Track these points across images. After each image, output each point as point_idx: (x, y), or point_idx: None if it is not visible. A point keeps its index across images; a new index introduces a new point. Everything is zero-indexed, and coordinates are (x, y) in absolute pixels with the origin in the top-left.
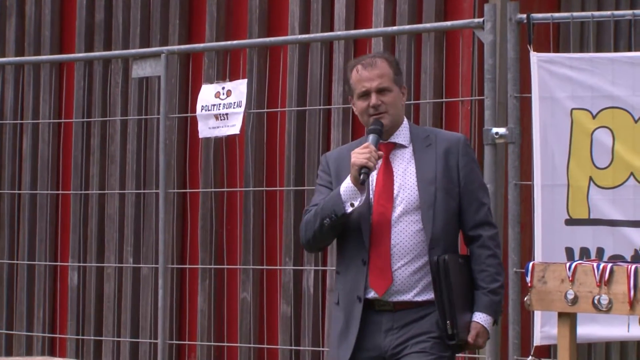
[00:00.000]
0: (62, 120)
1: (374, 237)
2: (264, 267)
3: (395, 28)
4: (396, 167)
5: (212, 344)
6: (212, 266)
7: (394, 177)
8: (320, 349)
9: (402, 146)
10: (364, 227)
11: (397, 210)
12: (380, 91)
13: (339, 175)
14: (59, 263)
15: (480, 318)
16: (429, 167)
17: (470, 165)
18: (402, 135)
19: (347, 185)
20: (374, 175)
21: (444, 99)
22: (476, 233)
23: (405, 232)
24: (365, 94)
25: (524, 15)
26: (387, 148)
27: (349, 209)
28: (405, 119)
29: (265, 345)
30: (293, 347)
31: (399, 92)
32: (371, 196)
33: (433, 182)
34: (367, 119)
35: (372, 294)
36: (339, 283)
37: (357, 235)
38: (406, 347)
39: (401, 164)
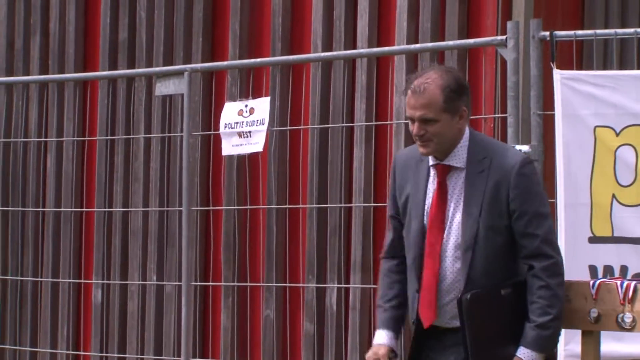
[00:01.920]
0: (86, 138)
1: (426, 267)
2: (287, 284)
3: (417, 46)
4: (450, 192)
5: None
6: (235, 284)
7: (447, 205)
8: None
9: (458, 168)
10: (417, 255)
11: (445, 245)
12: (424, 121)
13: (402, 185)
14: (82, 280)
15: (523, 353)
16: (476, 200)
17: (522, 197)
18: (458, 156)
19: None
20: (429, 196)
21: None
22: (529, 263)
23: (450, 269)
24: (411, 120)
25: (547, 33)
26: (442, 171)
27: None
28: (468, 135)
29: None
30: None
31: (450, 119)
32: (425, 222)
33: (477, 218)
34: (416, 142)
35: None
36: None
37: (413, 258)
38: None
39: (455, 189)
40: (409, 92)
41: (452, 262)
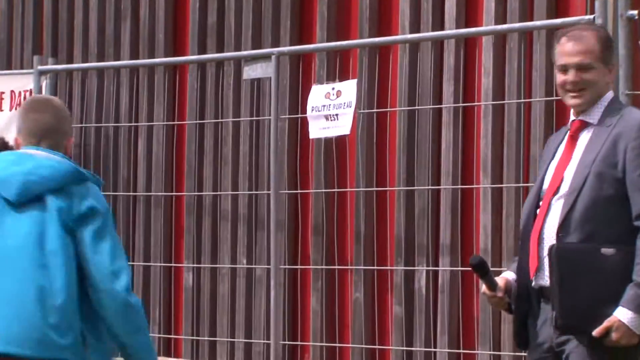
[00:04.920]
0: (176, 122)
1: (537, 219)
2: (376, 267)
3: (505, 26)
4: (578, 147)
5: (325, 344)
6: (324, 267)
7: (572, 156)
8: (432, 349)
9: (591, 125)
10: (530, 212)
11: (558, 194)
12: (581, 68)
13: (541, 165)
14: (173, 264)
15: (619, 312)
16: (594, 150)
17: (637, 150)
18: (595, 113)
19: None
20: (556, 157)
21: (554, 97)
22: (637, 224)
23: (554, 218)
24: (564, 69)
25: (635, 12)
26: (576, 126)
27: None
28: (609, 95)
29: (377, 346)
30: (405, 348)
31: (604, 70)
32: (545, 180)
33: (589, 165)
34: (563, 93)
35: (535, 281)
36: None
37: (527, 215)
38: (569, 341)
39: (582, 143)
40: (563, 39)
41: (556, 211)
